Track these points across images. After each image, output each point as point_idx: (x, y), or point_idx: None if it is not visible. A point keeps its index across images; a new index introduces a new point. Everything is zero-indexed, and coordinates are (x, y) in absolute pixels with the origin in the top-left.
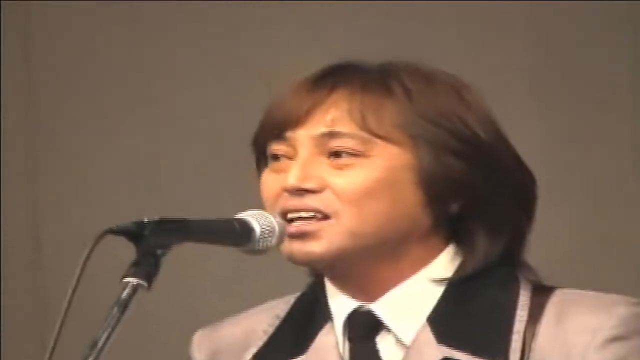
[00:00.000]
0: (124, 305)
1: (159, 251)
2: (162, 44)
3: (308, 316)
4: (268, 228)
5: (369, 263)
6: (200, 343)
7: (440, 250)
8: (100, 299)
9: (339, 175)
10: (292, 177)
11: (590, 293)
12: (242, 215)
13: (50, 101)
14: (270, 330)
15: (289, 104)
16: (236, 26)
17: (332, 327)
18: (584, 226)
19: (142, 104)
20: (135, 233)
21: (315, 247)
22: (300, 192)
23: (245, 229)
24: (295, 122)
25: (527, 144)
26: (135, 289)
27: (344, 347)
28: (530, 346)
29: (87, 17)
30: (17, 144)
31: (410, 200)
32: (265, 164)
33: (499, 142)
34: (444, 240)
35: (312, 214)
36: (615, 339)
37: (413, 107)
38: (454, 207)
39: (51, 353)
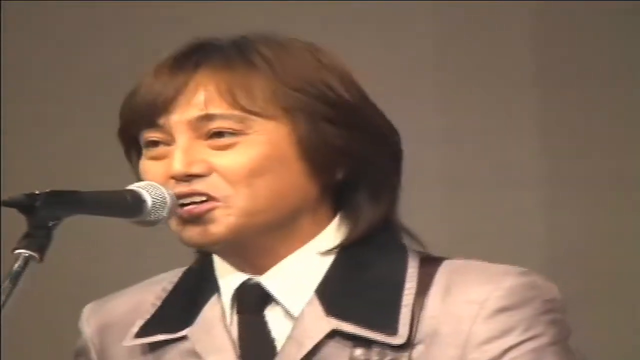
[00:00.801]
0: (16, 277)
1: (50, 223)
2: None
3: (196, 289)
4: (160, 199)
5: (262, 239)
6: (89, 317)
7: (329, 221)
8: None
9: (222, 156)
10: (178, 164)
11: (478, 263)
12: (133, 186)
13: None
14: (158, 302)
15: (154, 90)
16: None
17: (219, 299)
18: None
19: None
20: (26, 205)
21: (211, 230)
22: (188, 177)
23: (137, 200)
24: (165, 107)
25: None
26: (26, 260)
27: (231, 320)
28: (419, 318)
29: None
30: None
31: (295, 172)
32: (138, 152)
33: (365, 102)
34: (331, 210)
35: (203, 198)
36: (503, 309)
37: (279, 79)
38: (339, 175)
39: None
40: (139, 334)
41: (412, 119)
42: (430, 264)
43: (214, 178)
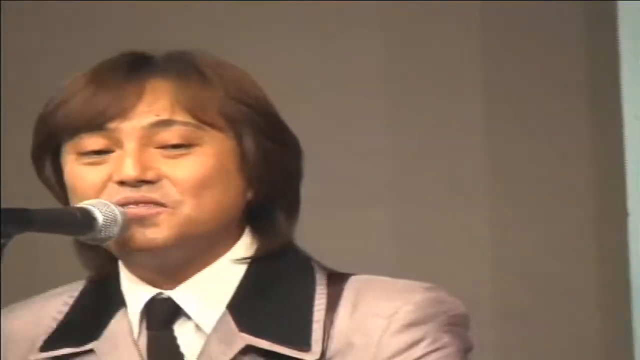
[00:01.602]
0: None
1: (1, 240)
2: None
3: (100, 303)
4: (110, 217)
5: (193, 250)
6: None
7: (240, 235)
8: None
9: (174, 166)
10: (130, 169)
11: (385, 279)
12: (83, 204)
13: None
14: (60, 317)
15: (102, 95)
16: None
17: (126, 314)
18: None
19: None
20: None
21: (157, 234)
22: (139, 183)
23: (87, 218)
24: (119, 111)
25: None
26: None
27: (140, 335)
28: (329, 334)
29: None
30: None
31: (235, 186)
32: (53, 163)
33: (283, 122)
34: (241, 224)
35: (150, 205)
36: (411, 324)
37: (228, 92)
38: (266, 189)
39: None
40: (44, 348)
41: (361, 134)
42: (337, 280)
43: (163, 185)
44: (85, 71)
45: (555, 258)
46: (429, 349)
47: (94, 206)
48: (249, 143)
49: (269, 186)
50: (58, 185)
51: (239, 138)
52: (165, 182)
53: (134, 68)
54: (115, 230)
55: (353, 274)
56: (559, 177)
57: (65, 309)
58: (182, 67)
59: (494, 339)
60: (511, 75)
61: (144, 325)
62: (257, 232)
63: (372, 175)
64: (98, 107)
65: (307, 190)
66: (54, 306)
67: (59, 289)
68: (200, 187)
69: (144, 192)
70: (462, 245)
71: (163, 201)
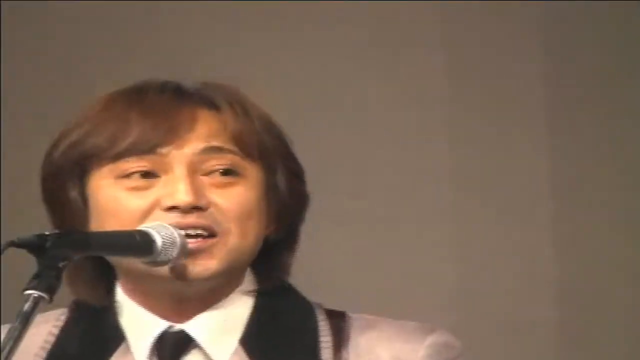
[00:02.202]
0: (26, 318)
1: (60, 263)
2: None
3: (93, 336)
4: (169, 240)
5: (225, 281)
6: None
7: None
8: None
9: (221, 194)
10: (186, 194)
11: (388, 320)
12: (142, 226)
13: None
14: (47, 346)
15: (158, 118)
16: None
17: (127, 349)
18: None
19: None
20: (36, 245)
21: (211, 264)
22: (191, 210)
23: (146, 240)
24: (172, 137)
25: None
26: (37, 301)
27: None
28: None
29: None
30: None
31: (263, 219)
32: (79, 187)
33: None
34: None
35: (199, 231)
36: None
37: (262, 127)
38: (287, 224)
39: None
40: None
41: (422, 153)
42: (336, 317)
43: (213, 212)
44: (112, 94)
45: (617, 278)
46: None
47: (152, 228)
48: (280, 178)
49: (290, 221)
50: (84, 208)
51: (270, 171)
52: (213, 210)
53: (179, 96)
54: (174, 252)
55: (346, 312)
56: (623, 198)
57: (52, 339)
58: (223, 98)
59: None
60: (573, 95)
61: (153, 359)
62: (260, 266)
63: (435, 193)
64: (149, 132)
65: (373, 208)
66: (39, 334)
67: (39, 317)
68: (245, 217)
69: (194, 219)
70: (525, 265)
71: (214, 228)
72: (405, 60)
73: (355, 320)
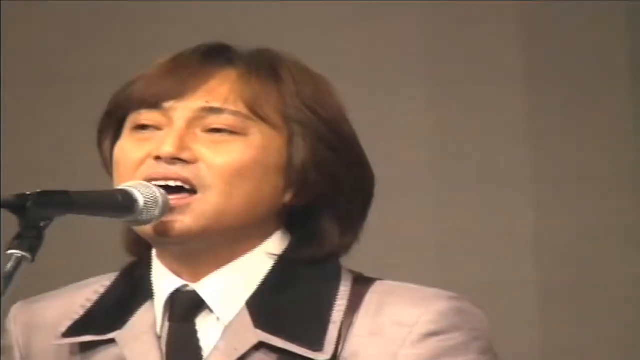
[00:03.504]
0: (9, 278)
1: (42, 223)
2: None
3: (129, 293)
4: (151, 198)
5: (218, 242)
6: (17, 316)
7: (273, 232)
8: None
9: (214, 150)
10: (169, 145)
11: (411, 286)
12: (123, 185)
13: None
14: (87, 304)
15: (172, 73)
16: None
17: (152, 305)
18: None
19: None
20: (17, 205)
21: (185, 221)
22: (174, 160)
23: (128, 200)
24: (178, 93)
25: None
26: (19, 261)
27: (162, 326)
28: (346, 336)
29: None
30: None
31: (273, 184)
32: (113, 139)
33: (356, 142)
34: (275, 224)
35: (179, 183)
36: (432, 333)
37: (297, 93)
38: (309, 195)
39: None
40: (67, 334)
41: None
42: (362, 283)
43: (198, 167)
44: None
45: (597, 237)
46: None
47: (134, 188)
48: (300, 145)
49: (313, 193)
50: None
51: (291, 138)
52: (201, 164)
53: (210, 56)
54: (156, 212)
55: (380, 279)
56: (603, 157)
57: (95, 297)
58: (257, 62)
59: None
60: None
61: (167, 317)
62: (297, 237)
63: (415, 155)
64: (159, 87)
65: None
66: (84, 295)
67: (93, 279)
68: (234, 175)
69: (176, 169)
70: (505, 225)
71: (193, 180)
72: (381, 19)
73: (377, 285)
